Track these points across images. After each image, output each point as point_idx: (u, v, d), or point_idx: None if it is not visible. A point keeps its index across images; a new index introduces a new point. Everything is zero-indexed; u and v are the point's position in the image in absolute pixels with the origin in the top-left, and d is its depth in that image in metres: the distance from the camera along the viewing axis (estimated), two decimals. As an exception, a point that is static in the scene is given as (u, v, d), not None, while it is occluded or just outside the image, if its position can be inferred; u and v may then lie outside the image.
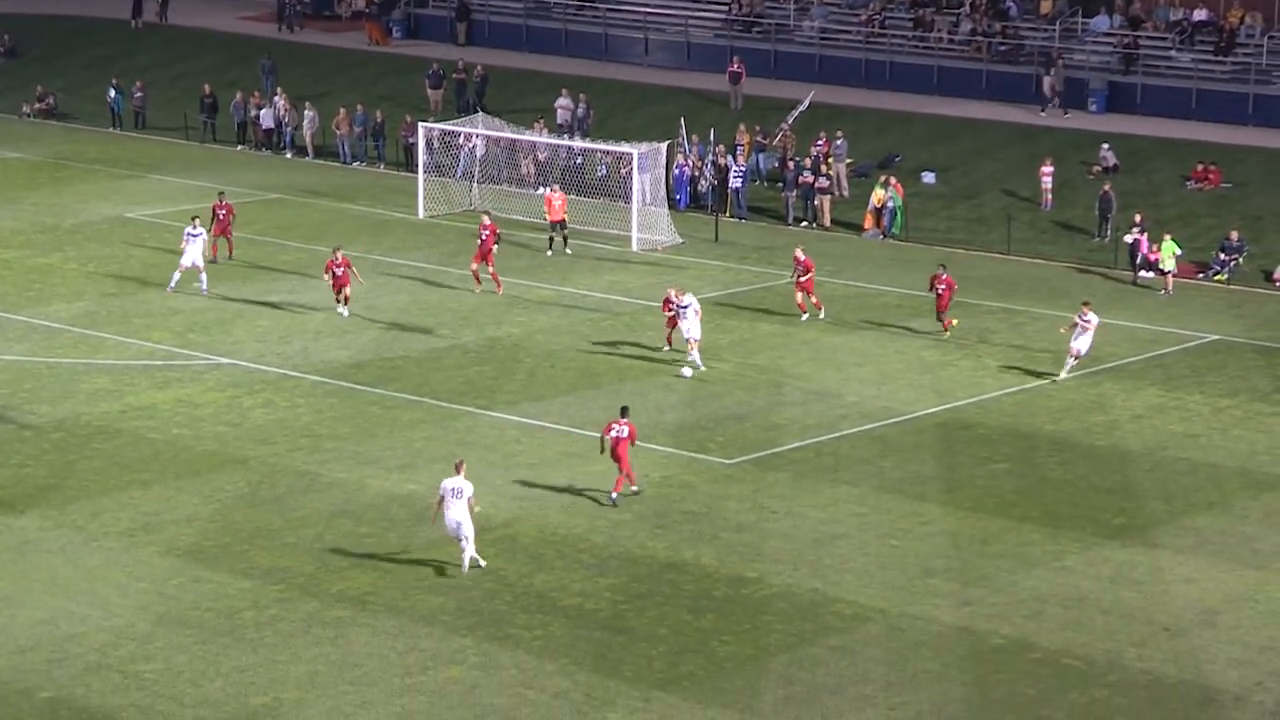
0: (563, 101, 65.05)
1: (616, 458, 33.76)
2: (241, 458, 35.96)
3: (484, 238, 47.30)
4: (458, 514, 30.44)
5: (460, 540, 30.64)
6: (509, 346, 43.49)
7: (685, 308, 41.29)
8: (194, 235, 46.71)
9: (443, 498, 30.55)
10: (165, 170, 62.19)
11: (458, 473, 30.63)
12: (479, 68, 69.64)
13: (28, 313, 45.39)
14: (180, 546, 31.76)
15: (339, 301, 44.87)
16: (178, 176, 61.23)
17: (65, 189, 59.01)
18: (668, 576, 30.96)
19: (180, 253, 47.15)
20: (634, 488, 34.16)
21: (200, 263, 46.57)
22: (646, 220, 53.38)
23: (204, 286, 46.48)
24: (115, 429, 37.29)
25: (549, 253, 51.57)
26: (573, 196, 56.42)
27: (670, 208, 55.22)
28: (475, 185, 57.75)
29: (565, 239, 51.82)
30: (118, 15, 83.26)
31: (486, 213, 49.56)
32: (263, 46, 77.23)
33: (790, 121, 59.12)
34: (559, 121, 64.20)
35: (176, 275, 46.78)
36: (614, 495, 33.84)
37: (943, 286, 44.11)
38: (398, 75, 73.12)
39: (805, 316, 45.59)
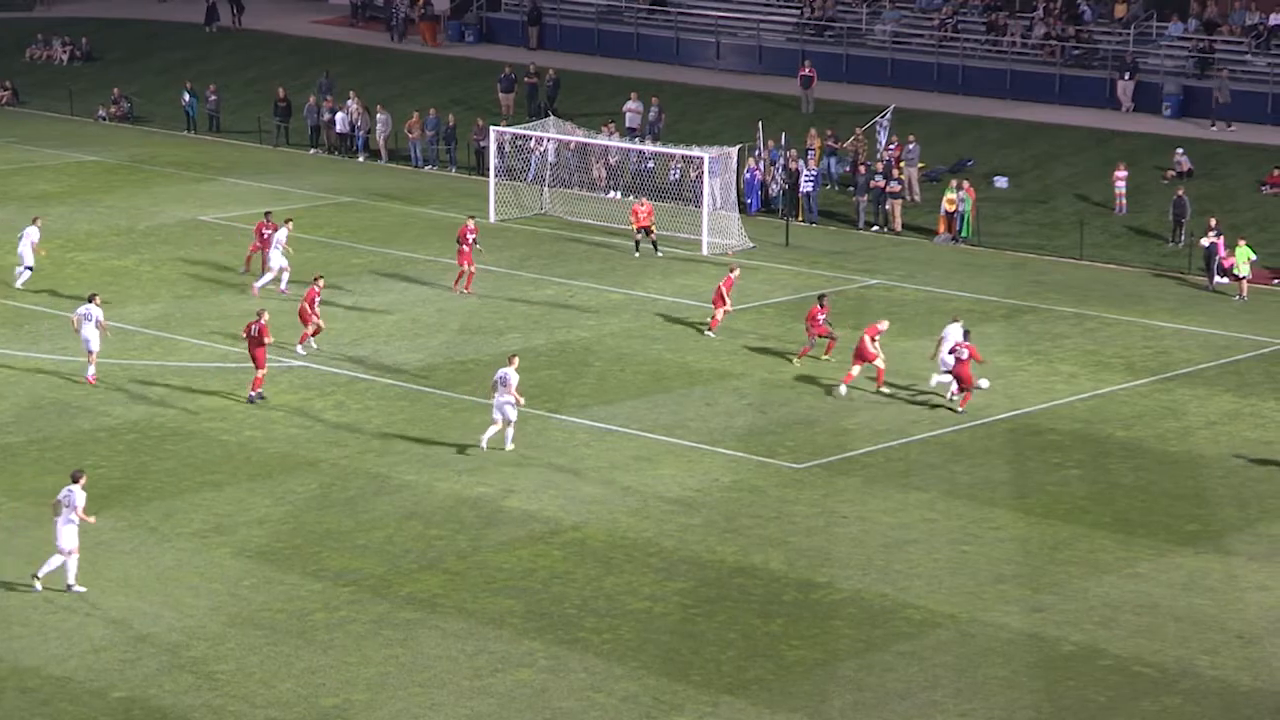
0: (631, 105, 65.09)
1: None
2: (313, 460, 36.16)
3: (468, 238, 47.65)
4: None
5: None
6: (579, 350, 43.56)
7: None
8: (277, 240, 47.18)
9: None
10: (238, 173, 62.59)
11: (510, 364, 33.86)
12: (550, 71, 69.78)
13: (105, 314, 45.65)
14: (252, 548, 31.96)
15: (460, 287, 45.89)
16: (251, 180, 61.61)
17: (140, 192, 59.48)
18: (737, 581, 30.95)
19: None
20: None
21: (285, 262, 46.87)
22: (717, 224, 53.37)
23: (283, 286, 46.92)
24: (188, 431, 37.56)
25: (636, 254, 51.93)
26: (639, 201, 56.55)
27: (741, 211, 55.18)
28: (546, 189, 57.87)
29: (655, 243, 51.89)
30: (192, 19, 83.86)
31: (472, 216, 49.85)
32: (336, 50, 77.63)
33: (881, 134, 58.93)
34: (628, 125, 64.25)
35: (268, 276, 47.19)
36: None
37: (822, 318, 42.00)
38: (470, 79, 73.35)
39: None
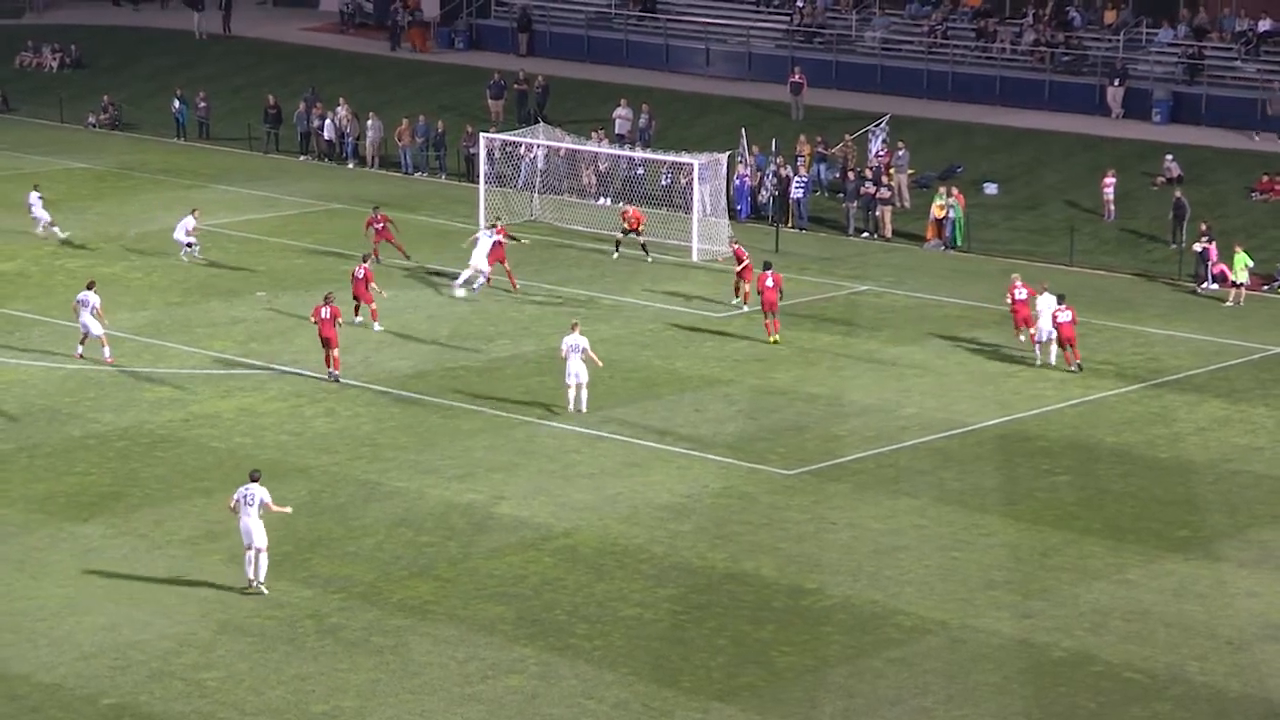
0: (621, 111, 65.11)
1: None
2: (303, 467, 36.13)
3: (380, 229, 50.04)
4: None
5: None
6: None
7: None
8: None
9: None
10: (229, 180, 62.55)
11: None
12: (540, 78, 69.78)
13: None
14: (242, 555, 31.88)
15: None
16: (241, 186, 61.58)
17: (130, 199, 59.42)
18: (727, 587, 30.95)
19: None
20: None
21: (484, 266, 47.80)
22: (707, 231, 53.39)
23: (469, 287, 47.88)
24: (178, 437, 37.52)
25: (615, 255, 52.12)
26: (634, 208, 56.56)
27: (731, 218, 55.20)
28: (536, 195, 57.88)
29: (644, 246, 52.19)
30: (182, 26, 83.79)
31: (376, 206, 52.15)
32: (325, 57, 77.60)
33: (875, 142, 58.96)
34: (617, 131, 64.26)
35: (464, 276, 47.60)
36: None
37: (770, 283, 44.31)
38: (459, 85, 73.34)
39: (744, 306, 46.88)
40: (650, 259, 52.09)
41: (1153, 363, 43.69)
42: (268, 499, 30.34)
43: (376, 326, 44.94)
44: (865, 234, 56.18)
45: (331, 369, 41.10)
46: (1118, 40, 66.52)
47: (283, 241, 48.79)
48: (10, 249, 52.53)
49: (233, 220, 56.43)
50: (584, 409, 39.04)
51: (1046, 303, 42.71)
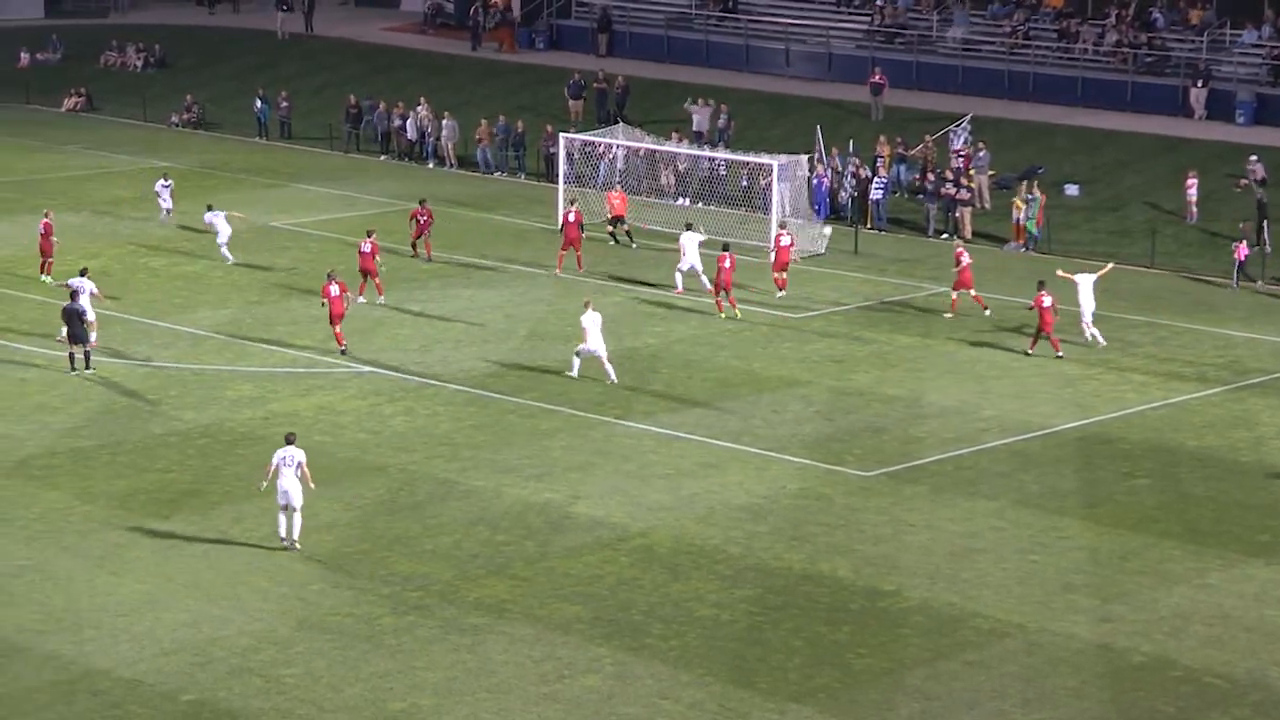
0: (695, 109, 65.03)
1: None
2: (381, 465, 36.30)
3: (421, 221, 51.08)
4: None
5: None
6: (646, 357, 43.57)
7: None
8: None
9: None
10: (308, 180, 62.93)
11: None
12: (620, 78, 69.86)
13: (174, 319, 46.11)
14: (320, 552, 32.10)
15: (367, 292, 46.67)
16: (321, 186, 61.93)
17: (211, 198, 59.80)
18: (804, 588, 30.89)
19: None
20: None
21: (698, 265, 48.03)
22: (791, 230, 53.24)
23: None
24: (258, 435, 37.77)
25: (612, 242, 53.46)
26: (713, 208, 56.59)
27: (810, 219, 55.07)
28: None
29: (629, 233, 53.36)
30: (264, 26, 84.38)
31: (423, 199, 53.12)
32: (406, 57, 77.95)
33: (956, 140, 58.74)
34: (695, 128, 64.21)
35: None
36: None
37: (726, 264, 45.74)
38: (539, 86, 73.54)
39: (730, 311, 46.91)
40: (634, 246, 52.49)
41: (1235, 365, 43.33)
42: (304, 461, 31.65)
43: (380, 300, 46.25)
44: (945, 235, 55.94)
45: (341, 345, 42.50)
46: (1201, 41, 65.97)
47: (361, 241, 49.00)
48: (93, 247, 53.03)
49: (313, 220, 56.77)
50: (611, 378, 40.66)
51: (1085, 281, 43.90)
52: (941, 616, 29.80)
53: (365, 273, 46.79)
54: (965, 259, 46.60)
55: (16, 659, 28.07)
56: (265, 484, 32.15)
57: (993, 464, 36.66)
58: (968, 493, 35.13)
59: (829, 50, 73.13)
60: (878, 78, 66.94)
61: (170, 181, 56.20)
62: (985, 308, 46.68)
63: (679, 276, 48.39)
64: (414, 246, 51.92)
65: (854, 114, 66.25)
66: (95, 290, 43.18)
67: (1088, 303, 44.07)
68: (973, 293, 46.78)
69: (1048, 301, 43.38)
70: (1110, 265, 47.00)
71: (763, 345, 44.61)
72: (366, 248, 46.85)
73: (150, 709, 26.70)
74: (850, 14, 74.52)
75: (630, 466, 36.28)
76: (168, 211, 55.33)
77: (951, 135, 59.27)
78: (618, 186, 55.83)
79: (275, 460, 31.81)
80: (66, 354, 41.65)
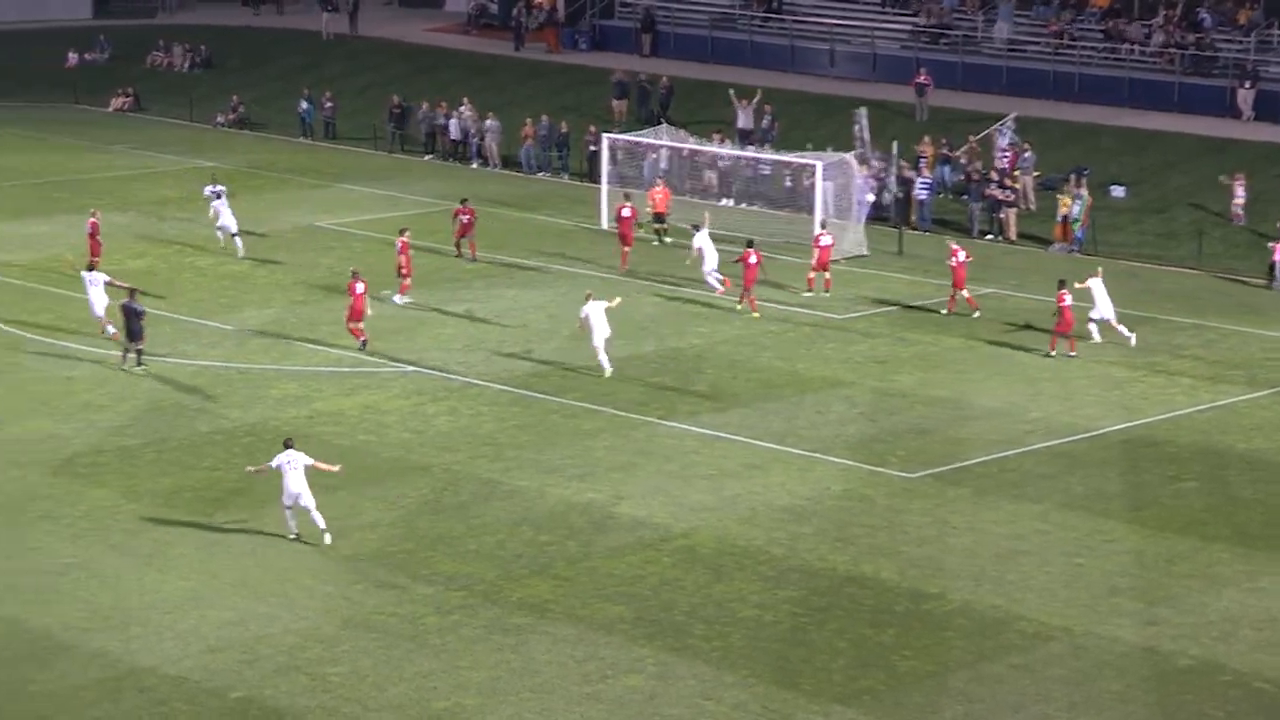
0: (740, 107, 64.89)
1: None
2: (425, 465, 36.36)
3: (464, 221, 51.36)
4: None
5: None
6: (690, 357, 43.55)
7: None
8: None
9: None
10: (353, 180, 63.08)
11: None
12: (663, 78, 69.82)
13: (220, 319, 46.27)
14: (365, 551, 32.18)
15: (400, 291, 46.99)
16: (365, 186, 62.08)
17: (256, 198, 60.06)
18: (847, 590, 30.82)
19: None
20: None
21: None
22: (831, 231, 53.12)
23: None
24: (303, 434, 37.82)
25: (662, 243, 53.33)
26: (757, 208, 56.53)
27: (854, 219, 54.94)
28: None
29: (661, 232, 53.59)
30: (309, 27, 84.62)
31: (464, 199, 53.36)
32: (450, 57, 78.07)
33: (1003, 139, 58.58)
34: (739, 125, 64.11)
35: None
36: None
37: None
38: (582, 86, 73.56)
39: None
40: (667, 242, 52.93)
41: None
42: (310, 461, 32.17)
43: (397, 299, 46.71)
44: (989, 236, 55.75)
45: (362, 339, 43.04)
46: (1249, 41, 65.59)
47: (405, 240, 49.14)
48: (139, 247, 53.25)
49: (357, 219, 56.89)
50: (607, 370, 41.25)
51: (1097, 284, 43.96)
52: (986, 619, 29.70)
53: (402, 268, 46.98)
54: (960, 257, 46.72)
55: (64, 656, 28.20)
56: (253, 469, 33.03)
57: (1038, 466, 36.52)
58: (1012, 495, 35.00)
59: (873, 50, 72.97)
60: (922, 78, 66.76)
61: (222, 187, 55.35)
62: (976, 308, 46.57)
63: (713, 279, 48.30)
64: (458, 246, 52.03)
65: (898, 114, 66.07)
66: (109, 279, 44.07)
67: (1108, 303, 44.01)
68: (965, 292, 46.66)
69: (1069, 300, 43.29)
70: (1100, 269, 46.29)
71: (806, 346, 44.54)
72: (399, 245, 47.09)
73: (196, 706, 26.80)
74: (895, 14, 74.33)
75: (673, 467, 36.26)
76: (219, 213, 54.29)
77: (996, 134, 59.07)
78: (660, 183, 55.85)
79: (276, 463, 32.13)
80: (120, 352, 41.88)
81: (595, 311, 41.58)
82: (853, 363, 43.22)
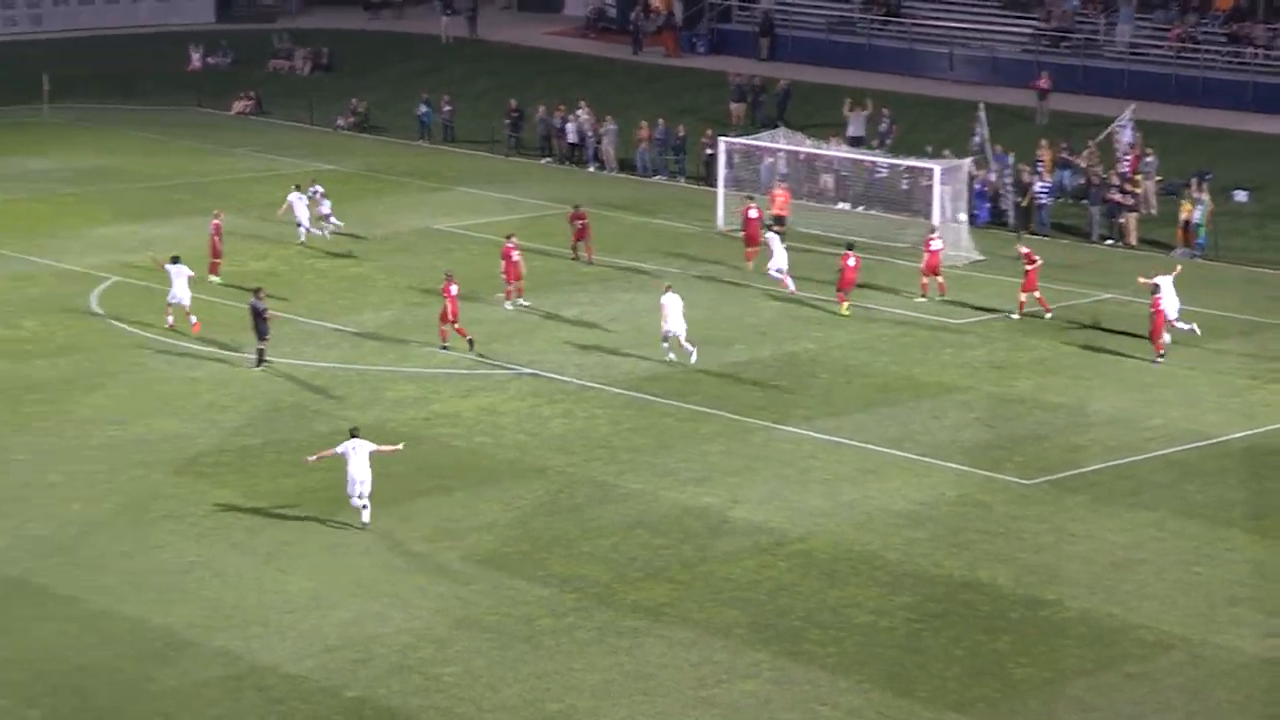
0: (852, 115, 64.71)
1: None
2: (541, 467, 36.54)
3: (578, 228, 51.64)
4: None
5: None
6: (806, 361, 43.49)
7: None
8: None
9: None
10: (471, 183, 63.44)
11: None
12: (781, 82, 69.74)
13: (339, 321, 46.71)
14: (480, 552, 32.40)
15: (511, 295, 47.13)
16: (483, 189, 62.42)
17: (375, 201, 60.57)
18: (963, 596, 30.69)
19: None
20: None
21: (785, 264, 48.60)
22: (946, 235, 52.90)
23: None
24: (420, 436, 38.16)
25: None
26: (874, 213, 56.36)
27: (970, 223, 54.66)
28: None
29: (783, 234, 52.74)
30: (428, 31, 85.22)
31: (577, 204, 53.40)
32: (568, 61, 78.37)
33: (1125, 133, 58.09)
34: (849, 134, 63.96)
35: None
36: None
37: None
38: (700, 89, 73.59)
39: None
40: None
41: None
42: (373, 447, 33.23)
43: (508, 305, 46.80)
44: (1109, 241, 55.27)
45: (445, 345, 43.45)
46: (1376, 44, 64.66)
47: (521, 244, 49.43)
48: (261, 248, 53.85)
49: (474, 222, 57.23)
50: (692, 359, 42.17)
51: (1166, 282, 43.85)
52: (1103, 627, 29.47)
53: (508, 274, 47.10)
54: (1034, 260, 46.60)
55: (186, 653, 28.61)
56: (315, 458, 33.71)
57: (1156, 473, 36.18)
58: (1130, 502, 34.70)
59: (993, 54, 72.54)
60: (1043, 82, 66.28)
61: (320, 187, 56.05)
62: (1049, 310, 46.38)
63: (785, 277, 48.53)
64: (574, 249, 52.23)
65: (1018, 118, 65.65)
66: (192, 273, 45.21)
67: (1174, 302, 43.89)
68: (1036, 294, 46.47)
69: (1163, 305, 43.15)
70: (1179, 266, 46.27)
71: (922, 351, 44.35)
72: (513, 252, 47.18)
73: (313, 705, 27.09)
74: (1016, 17, 73.85)
75: (789, 471, 36.23)
76: (325, 215, 54.99)
77: (1116, 129, 58.45)
78: (782, 185, 55.79)
79: (341, 449, 33.22)
80: (255, 351, 42.41)
81: (672, 304, 42.22)
82: (969, 368, 43.00)
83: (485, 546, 32.66)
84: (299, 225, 53.65)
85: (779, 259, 48.59)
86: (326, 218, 54.76)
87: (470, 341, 43.54)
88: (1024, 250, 47.54)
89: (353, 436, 33.53)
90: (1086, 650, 28.72)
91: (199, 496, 34.92)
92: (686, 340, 42.47)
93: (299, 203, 53.75)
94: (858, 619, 29.83)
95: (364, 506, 33.20)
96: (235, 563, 31.97)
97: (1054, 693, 27.38)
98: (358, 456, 33.09)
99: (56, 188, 61.81)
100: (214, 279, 49.36)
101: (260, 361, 42.37)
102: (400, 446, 34.53)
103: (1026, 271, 46.61)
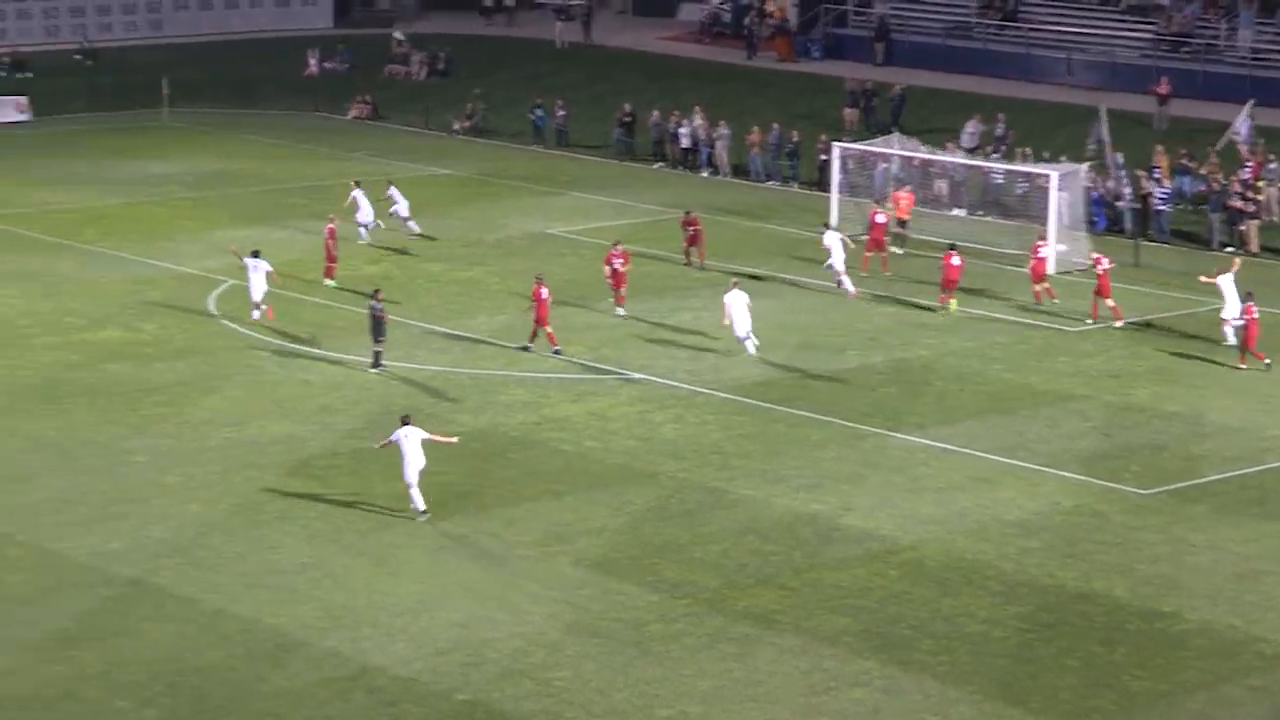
0: (972, 127, 64.23)
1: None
2: (651, 472, 36.46)
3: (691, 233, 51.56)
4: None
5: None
6: (918, 368, 43.17)
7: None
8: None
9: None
10: (584, 187, 63.51)
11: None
12: (896, 87, 69.35)
13: (451, 325, 46.86)
14: (590, 557, 32.36)
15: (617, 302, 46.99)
16: (596, 194, 62.47)
17: (489, 205, 60.76)
18: (1078, 607, 30.31)
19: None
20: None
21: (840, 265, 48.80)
22: (1063, 242, 52.37)
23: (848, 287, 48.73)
24: (531, 440, 38.20)
25: (899, 251, 52.84)
26: (989, 219, 55.88)
27: (1088, 230, 54.09)
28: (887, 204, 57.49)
29: (904, 239, 53.01)
30: (543, 36, 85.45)
31: (689, 209, 53.34)
32: (682, 66, 78.34)
33: (1243, 128, 57.32)
34: (965, 145, 63.48)
35: None
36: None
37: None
38: (814, 94, 73.32)
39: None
40: (901, 251, 52.20)
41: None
42: (426, 435, 33.96)
43: (620, 312, 46.60)
44: (1230, 249, 54.48)
45: (527, 346, 43.76)
46: None
47: (634, 249, 49.47)
48: (376, 252, 54.13)
49: (586, 227, 57.27)
50: (751, 350, 42.97)
51: (1227, 281, 44.05)
52: (1223, 639, 29.00)
53: (615, 284, 46.96)
54: (1104, 264, 46.31)
55: (297, 654, 28.76)
56: (379, 445, 34.69)
57: (1279, 484, 35.57)
58: (1252, 513, 34.16)
59: (1112, 59, 71.79)
60: (1162, 87, 65.50)
61: (395, 189, 56.14)
62: (1120, 318, 46.04)
63: (843, 278, 48.67)
64: (686, 254, 52.13)
65: (1136, 124, 64.94)
66: (270, 268, 45.89)
67: (1234, 302, 43.69)
68: (1110, 301, 45.82)
69: (1257, 313, 42.39)
70: (1238, 260, 45.86)
71: (1037, 359, 43.90)
72: (618, 260, 47.06)
73: (424, 707, 27.14)
74: (1135, 22, 73.06)
75: (901, 479, 35.96)
76: (402, 218, 54.97)
77: (1236, 128, 57.55)
78: (905, 188, 55.42)
79: (394, 437, 33.91)
80: (371, 353, 42.66)
81: (737, 302, 42.94)
82: (1085, 376, 42.51)
83: (595, 551, 32.62)
84: (360, 225, 53.86)
85: (837, 258, 48.59)
86: (405, 220, 54.95)
87: (526, 347, 43.67)
88: (1094, 255, 47.16)
89: (404, 424, 34.04)
90: (1206, 663, 28.27)
91: (311, 498, 35.12)
92: (749, 336, 42.96)
93: (362, 199, 54.14)
94: (969, 628, 29.53)
95: (418, 508, 33.76)
96: (346, 564, 32.11)
97: (1172, 706, 26.97)
98: (410, 443, 33.71)
99: (175, 191, 62.47)
100: (329, 283, 49.67)
101: (376, 364, 42.59)
102: (455, 439, 35.02)
103: (1098, 276, 46.16)
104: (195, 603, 30.59)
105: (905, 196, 54.44)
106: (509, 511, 34.38)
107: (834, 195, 56.56)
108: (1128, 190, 56.11)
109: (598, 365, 43.41)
